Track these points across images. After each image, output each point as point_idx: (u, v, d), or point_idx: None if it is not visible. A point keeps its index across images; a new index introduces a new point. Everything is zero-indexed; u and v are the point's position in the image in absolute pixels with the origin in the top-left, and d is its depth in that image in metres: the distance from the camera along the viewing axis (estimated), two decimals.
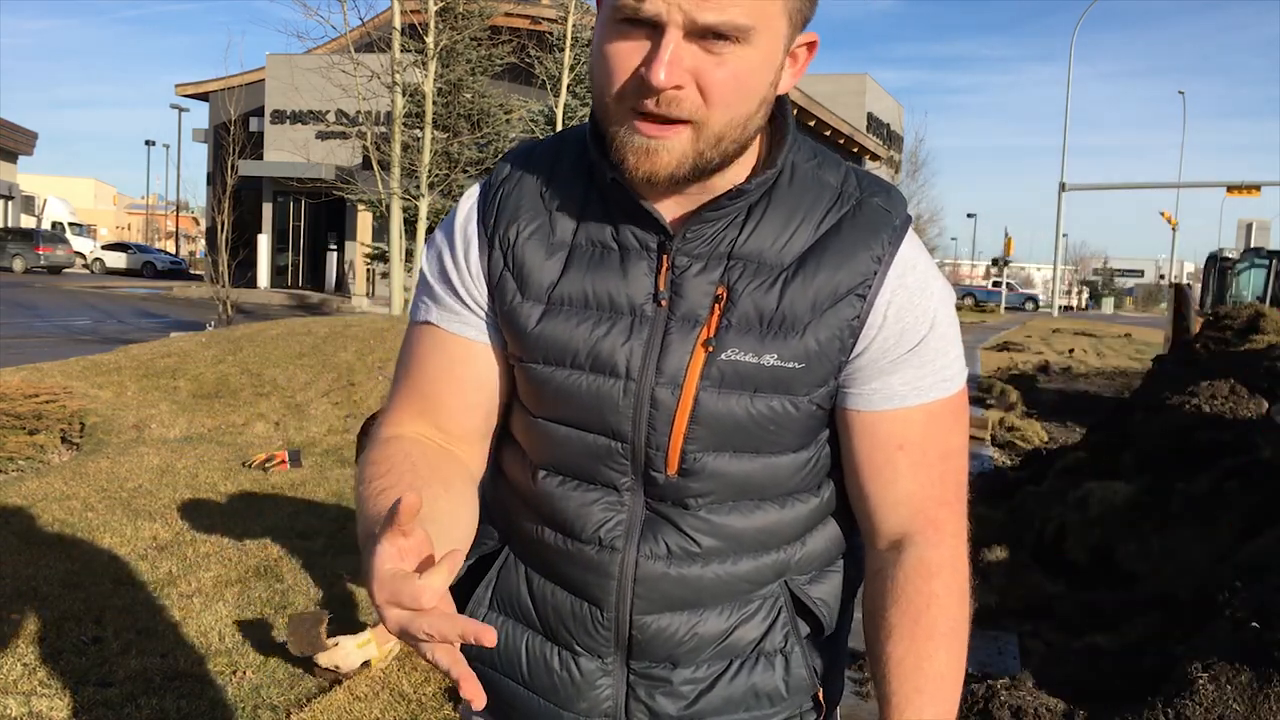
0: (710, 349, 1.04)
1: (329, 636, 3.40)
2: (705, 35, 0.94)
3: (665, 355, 1.05)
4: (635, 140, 0.98)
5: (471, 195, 1.15)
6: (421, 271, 1.18)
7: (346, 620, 3.84)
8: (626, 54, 0.97)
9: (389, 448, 1.11)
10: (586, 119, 1.07)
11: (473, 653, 1.21)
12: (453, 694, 3.33)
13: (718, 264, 1.05)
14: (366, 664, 3.47)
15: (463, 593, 1.22)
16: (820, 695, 1.19)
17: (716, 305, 1.05)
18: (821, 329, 1.04)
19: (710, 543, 1.09)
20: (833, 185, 1.08)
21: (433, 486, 1.03)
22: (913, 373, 1.07)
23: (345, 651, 3.37)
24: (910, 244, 1.08)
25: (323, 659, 3.35)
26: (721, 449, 1.07)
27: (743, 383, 1.05)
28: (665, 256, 1.05)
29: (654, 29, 0.95)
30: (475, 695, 0.84)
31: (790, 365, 1.04)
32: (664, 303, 1.05)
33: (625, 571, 1.10)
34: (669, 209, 1.06)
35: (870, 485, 1.10)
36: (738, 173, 1.06)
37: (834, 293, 1.04)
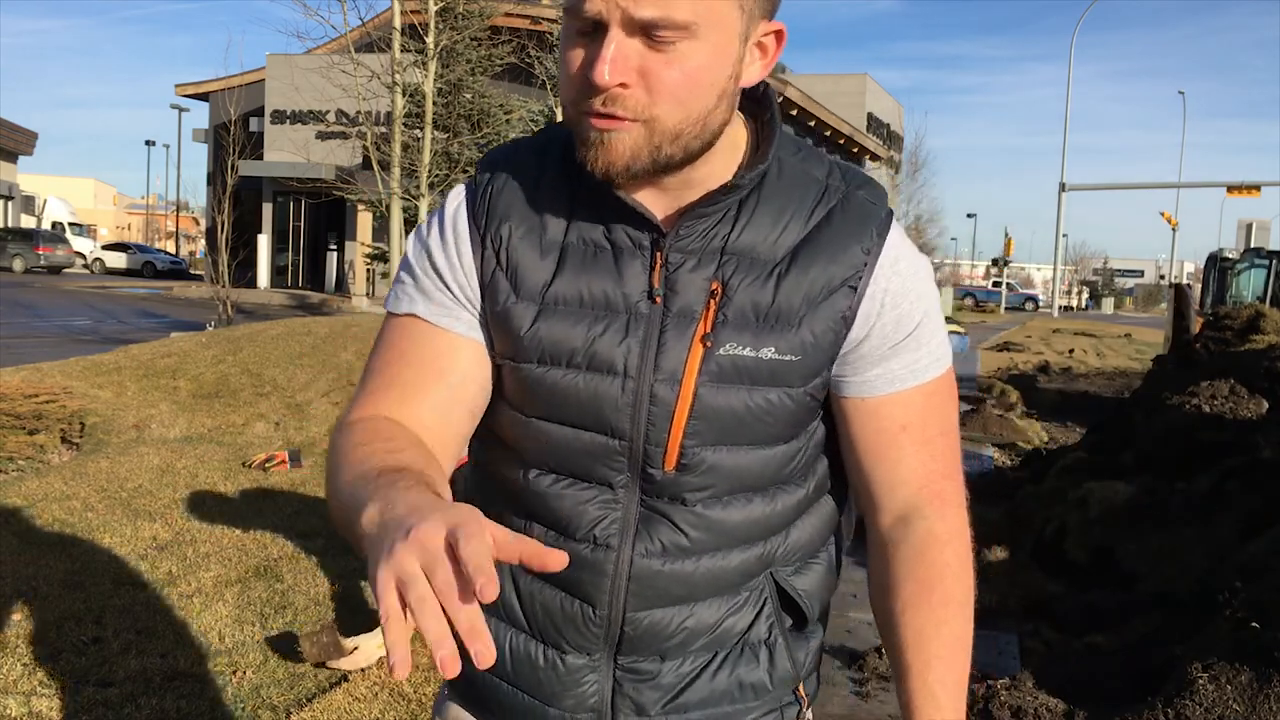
0: (708, 344, 1.05)
1: (344, 639, 3.42)
2: (647, 31, 0.95)
3: (663, 352, 1.05)
4: (590, 135, 1.00)
5: (459, 194, 1.14)
6: (405, 262, 1.14)
7: (349, 620, 3.84)
8: (576, 59, 0.99)
9: (368, 423, 1.05)
10: None
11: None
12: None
13: (711, 259, 1.06)
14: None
15: None
16: (801, 689, 1.20)
17: (712, 300, 1.05)
18: (816, 321, 1.06)
19: (700, 537, 1.10)
20: (818, 179, 1.10)
21: (423, 452, 1.00)
22: (910, 356, 1.10)
23: (366, 653, 3.38)
24: (895, 232, 1.10)
25: (344, 664, 3.36)
26: (719, 443, 1.08)
27: (740, 376, 1.06)
28: (659, 254, 1.06)
29: (598, 30, 0.96)
30: (486, 649, 0.71)
31: (787, 358, 1.06)
32: (659, 299, 1.06)
33: (620, 569, 1.10)
34: (660, 207, 1.07)
35: (876, 467, 1.13)
36: (720, 167, 1.06)
37: (828, 285, 1.06)
